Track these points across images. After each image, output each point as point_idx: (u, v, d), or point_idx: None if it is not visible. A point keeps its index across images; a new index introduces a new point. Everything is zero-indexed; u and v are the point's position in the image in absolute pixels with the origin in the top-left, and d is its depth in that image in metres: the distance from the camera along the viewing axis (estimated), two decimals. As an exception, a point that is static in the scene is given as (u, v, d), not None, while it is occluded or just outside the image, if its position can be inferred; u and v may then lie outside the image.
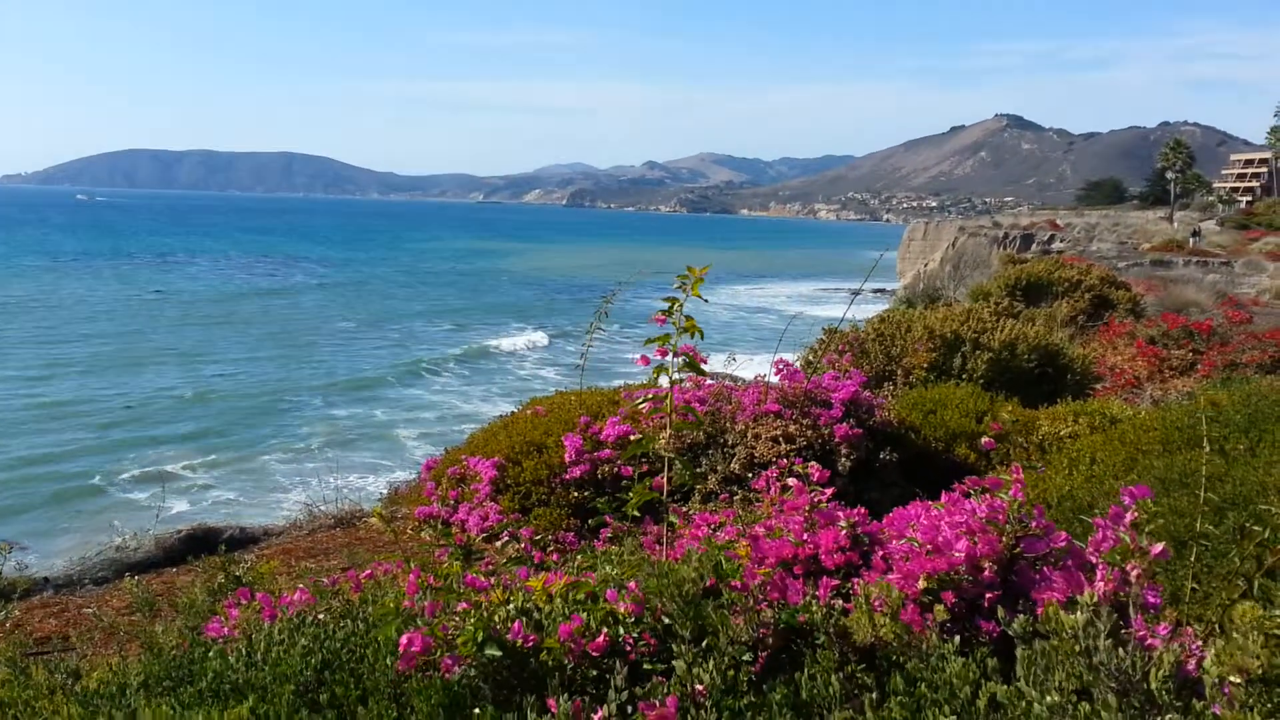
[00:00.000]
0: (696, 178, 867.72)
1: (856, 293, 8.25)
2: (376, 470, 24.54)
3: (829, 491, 3.16)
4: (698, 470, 7.08)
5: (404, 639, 2.52)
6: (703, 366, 7.12)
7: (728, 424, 7.29)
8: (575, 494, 7.59)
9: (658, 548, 4.28)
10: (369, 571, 3.97)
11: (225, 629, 3.75)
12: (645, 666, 2.61)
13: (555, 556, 4.81)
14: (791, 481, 3.23)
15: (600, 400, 8.73)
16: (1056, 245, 52.53)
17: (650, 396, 4.25)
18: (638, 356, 4.09)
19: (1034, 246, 53.12)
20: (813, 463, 3.33)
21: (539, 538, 5.43)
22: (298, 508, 10.87)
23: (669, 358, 3.80)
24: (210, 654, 3.04)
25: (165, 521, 12.13)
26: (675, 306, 3.74)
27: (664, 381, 3.92)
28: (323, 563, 7.44)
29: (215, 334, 46.22)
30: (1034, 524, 2.60)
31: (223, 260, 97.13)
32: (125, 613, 6.79)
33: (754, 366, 9.49)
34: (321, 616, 3.12)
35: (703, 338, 3.96)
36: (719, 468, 7.03)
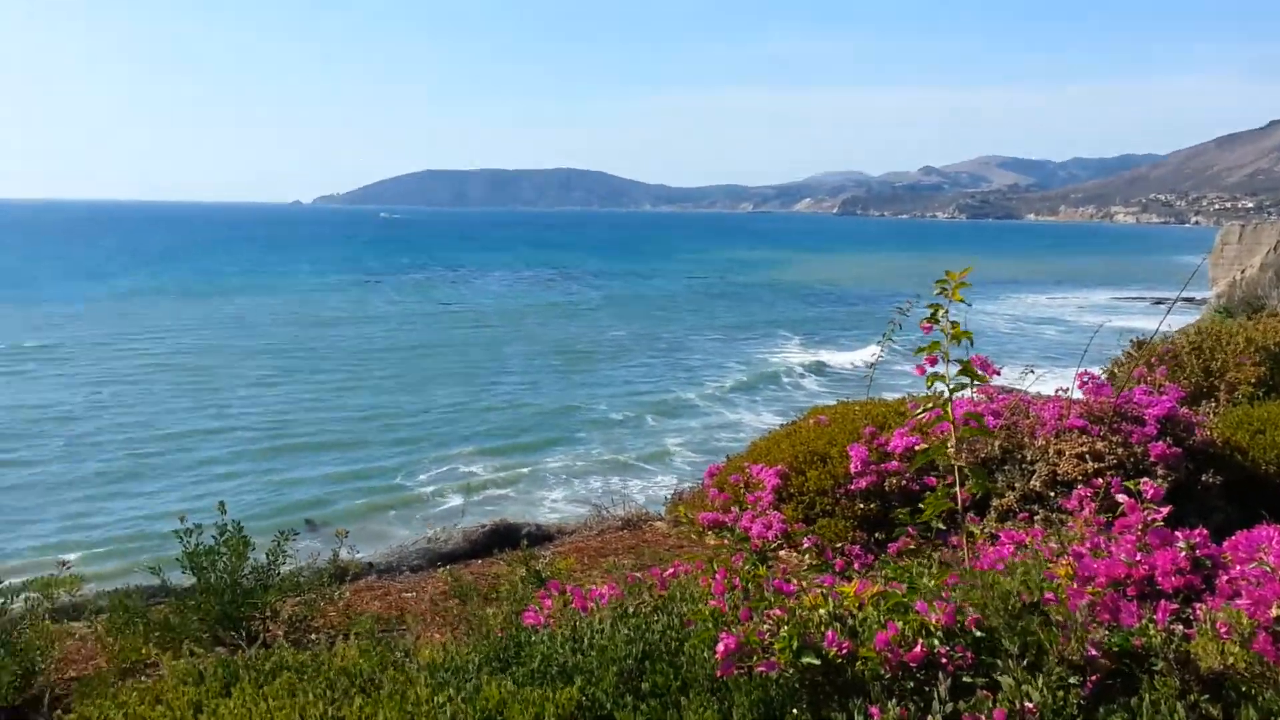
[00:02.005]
0: (977, 182, 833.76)
1: (1167, 301, 7.68)
2: (643, 474, 25.35)
3: (1164, 510, 2.96)
4: (993, 485, 6.81)
5: (720, 646, 2.59)
6: (990, 376, 6.85)
7: (1025, 439, 6.98)
8: (861, 506, 7.50)
9: (962, 560, 4.16)
10: (672, 570, 4.11)
11: (540, 617, 4.01)
12: (965, 679, 2.55)
13: (857, 565, 4.78)
14: (1121, 498, 3.06)
15: (885, 411, 8.57)
16: (1402, 248, 46.49)
17: (929, 405, 4.15)
18: (915, 366, 4.03)
19: (1373, 250, 47.24)
20: (1145, 479, 3.13)
21: (827, 548, 5.43)
22: (584, 509, 11.36)
23: (941, 365, 3.75)
24: (534, 639, 3.26)
25: (463, 517, 13.03)
26: (939, 313, 3.71)
27: (940, 389, 3.85)
28: (613, 561, 7.74)
29: (503, 346, 48.92)
30: None
31: (509, 273, 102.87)
32: (440, 599, 7.35)
33: (1046, 380, 9.00)
34: (633, 610, 3.26)
35: (972, 344, 3.87)
36: (1017, 484, 6.73)
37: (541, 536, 8.66)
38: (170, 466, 25.31)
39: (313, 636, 6.47)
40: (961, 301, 3.74)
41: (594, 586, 4.11)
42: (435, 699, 2.66)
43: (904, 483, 7.34)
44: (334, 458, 26.79)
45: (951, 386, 3.81)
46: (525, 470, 25.75)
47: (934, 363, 3.75)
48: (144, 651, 6.20)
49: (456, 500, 22.34)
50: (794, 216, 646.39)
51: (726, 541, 5.15)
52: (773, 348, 50.55)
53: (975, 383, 3.86)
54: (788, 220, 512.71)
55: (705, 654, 2.70)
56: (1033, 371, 8.52)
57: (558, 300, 74.14)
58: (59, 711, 5.35)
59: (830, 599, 2.83)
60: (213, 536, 6.58)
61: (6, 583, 6.36)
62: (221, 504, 6.61)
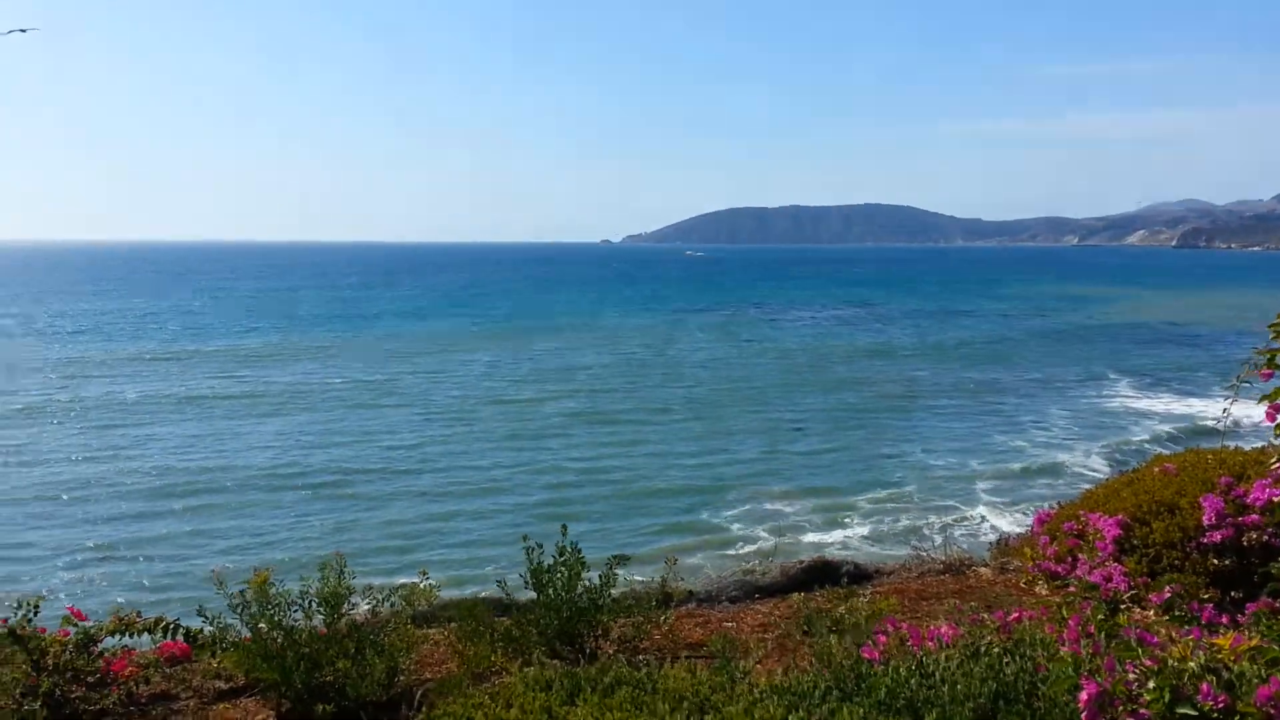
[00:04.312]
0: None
1: None
2: (957, 519, 24.49)
3: None
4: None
5: (1083, 694, 2.52)
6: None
7: None
8: (1214, 561, 6.92)
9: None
10: (1016, 615, 4.01)
11: (875, 652, 4.03)
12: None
13: (1224, 619, 4.45)
14: None
15: (1243, 460, 7.85)
16: None
17: None
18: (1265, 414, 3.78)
19: None
20: None
21: (1192, 600, 5.06)
22: (902, 551, 11.15)
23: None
24: (875, 671, 3.29)
25: (775, 553, 13.17)
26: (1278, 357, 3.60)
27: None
28: (934, 605, 7.56)
29: (808, 386, 48.56)
30: None
31: (813, 311, 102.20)
32: (758, 630, 7.49)
33: None
34: (984, 649, 3.22)
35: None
36: None
37: (860, 576, 8.61)
38: (491, 502, 26.91)
39: (640, 657, 6.78)
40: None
41: (931, 625, 4.09)
42: (789, 718, 2.76)
43: (1266, 538, 6.71)
44: (642, 493, 27.65)
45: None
46: (834, 511, 25.54)
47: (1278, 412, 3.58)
48: (493, 659, 6.75)
49: (764, 538, 22.52)
50: (1125, 250, 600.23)
51: (1071, 589, 4.92)
52: (1100, 391, 47.21)
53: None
54: (1118, 254, 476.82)
55: (1064, 699, 2.64)
56: None
57: (864, 340, 72.94)
58: (424, 709, 5.93)
59: (1201, 651, 2.68)
60: (552, 556, 7.08)
61: (374, 590, 7.10)
62: (564, 526, 7.10)
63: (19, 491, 27.69)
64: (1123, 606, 6.18)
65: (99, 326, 77.80)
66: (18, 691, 5.96)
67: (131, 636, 7.05)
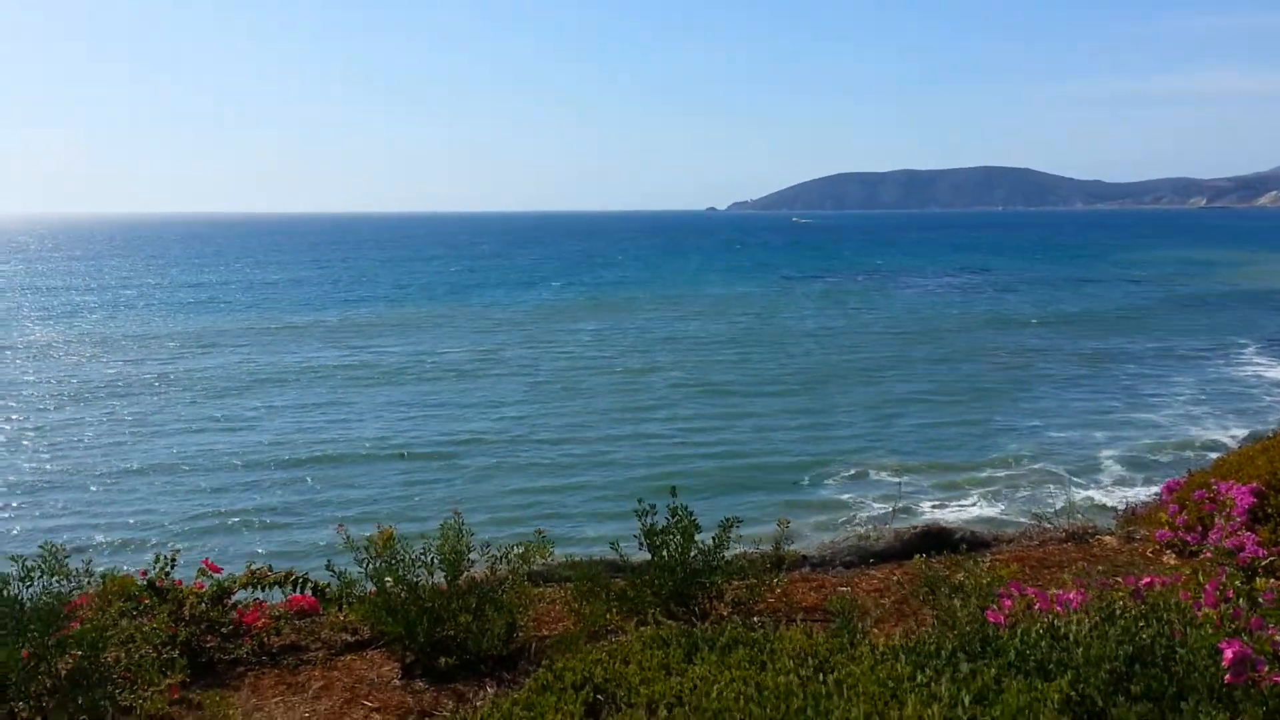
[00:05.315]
0: None
1: None
2: (1078, 489, 23.78)
3: None
4: None
5: (1229, 652, 2.43)
6: None
7: None
8: (1359, 531, 6.59)
9: None
10: (1147, 580, 3.90)
11: (1000, 616, 3.96)
12: None
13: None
14: None
15: (1394, 427, 7.45)
16: None
17: None
18: None
19: None
20: None
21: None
22: (1021, 520, 10.91)
23: None
24: (1002, 634, 3.23)
25: (893, 520, 13.01)
26: None
27: None
28: (1057, 574, 7.37)
29: (918, 355, 47.48)
30: None
31: (923, 279, 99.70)
32: (873, 594, 7.43)
33: None
34: (1120, 612, 3.14)
35: None
36: None
37: (977, 543, 8.45)
38: (598, 475, 26.90)
39: (754, 619, 6.79)
40: None
41: (1056, 591, 4.00)
42: (917, 677, 2.74)
43: None
44: (751, 466, 27.38)
45: None
46: (950, 485, 25.02)
47: None
48: (608, 618, 6.85)
49: (878, 510, 22.22)
50: (1258, 212, 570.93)
51: (1207, 556, 4.75)
52: (1229, 359, 45.19)
53: None
54: (1249, 216, 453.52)
55: (1204, 662, 2.55)
56: None
57: (979, 308, 71.01)
58: (545, 662, 6.05)
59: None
60: (665, 519, 7.12)
61: (492, 548, 7.23)
62: (674, 489, 7.12)
63: (143, 459, 28.92)
64: (1258, 575, 5.94)
65: (217, 298, 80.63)
66: (158, 641, 6.25)
67: (263, 590, 7.33)
